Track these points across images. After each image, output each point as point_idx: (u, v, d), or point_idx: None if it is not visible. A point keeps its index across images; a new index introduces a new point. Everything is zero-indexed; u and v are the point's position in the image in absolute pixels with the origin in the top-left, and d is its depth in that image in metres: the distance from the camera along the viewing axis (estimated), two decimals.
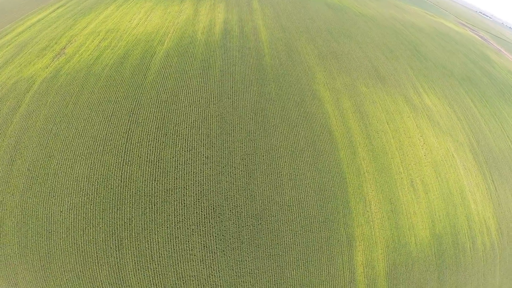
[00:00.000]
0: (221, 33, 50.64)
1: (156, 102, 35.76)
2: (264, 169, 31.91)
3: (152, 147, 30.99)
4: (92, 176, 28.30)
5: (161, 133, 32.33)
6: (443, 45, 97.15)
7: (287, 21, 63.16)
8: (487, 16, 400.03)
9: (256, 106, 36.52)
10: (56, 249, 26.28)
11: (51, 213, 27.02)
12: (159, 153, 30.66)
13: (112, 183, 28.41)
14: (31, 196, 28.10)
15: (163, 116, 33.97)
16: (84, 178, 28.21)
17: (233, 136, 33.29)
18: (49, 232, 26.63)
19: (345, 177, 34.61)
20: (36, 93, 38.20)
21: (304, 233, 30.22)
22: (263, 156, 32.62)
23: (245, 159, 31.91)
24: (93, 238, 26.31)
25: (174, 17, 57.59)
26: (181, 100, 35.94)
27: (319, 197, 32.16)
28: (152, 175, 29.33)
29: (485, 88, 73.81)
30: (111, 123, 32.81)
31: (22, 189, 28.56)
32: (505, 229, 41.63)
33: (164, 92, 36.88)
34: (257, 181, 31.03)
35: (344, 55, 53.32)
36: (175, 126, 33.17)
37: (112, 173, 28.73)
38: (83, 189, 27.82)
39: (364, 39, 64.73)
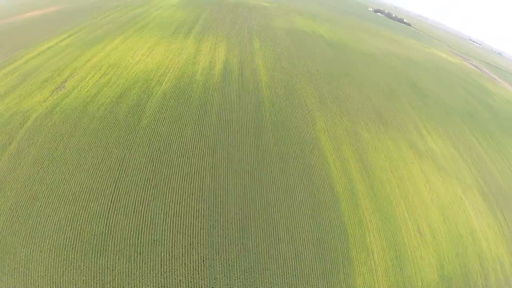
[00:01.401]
0: (220, 74, 50.27)
1: (148, 150, 34.29)
2: (260, 224, 30.27)
3: (140, 198, 29.57)
4: (76, 221, 27.27)
5: (151, 184, 30.85)
6: (441, 78, 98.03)
7: (287, 61, 63.32)
8: (477, 43, 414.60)
9: (253, 159, 34.87)
10: (33, 287, 24.91)
11: (30, 252, 26.40)
12: (147, 204, 29.24)
13: (95, 230, 27.21)
14: (10, 234, 26.88)
15: (154, 167, 32.44)
16: (67, 222, 27.25)
17: (227, 190, 31.72)
18: (27, 270, 25.38)
19: (346, 228, 32.95)
20: (29, 130, 36.88)
21: (300, 286, 28.45)
22: (258, 211, 30.99)
23: (238, 213, 30.35)
24: (73, 279, 25.19)
25: (175, 55, 57.76)
26: (173, 150, 34.43)
27: (318, 249, 30.54)
28: (139, 225, 27.89)
29: (488, 123, 73.04)
30: (100, 171, 31.37)
31: (1, 227, 27.25)
32: None
33: (157, 140, 35.45)
34: (251, 235, 29.36)
35: (345, 97, 52.59)
36: (166, 178, 31.68)
37: (96, 220, 27.61)
38: (65, 233, 26.85)
39: (364, 78, 64.64)
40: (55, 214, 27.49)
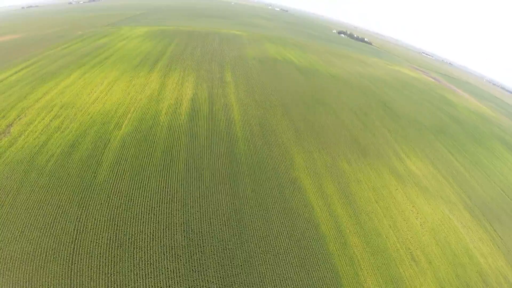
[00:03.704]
0: (188, 113, 46.90)
1: (107, 208, 29.91)
2: (244, 279, 27.18)
3: (105, 260, 26.18)
4: (37, 281, 24.42)
5: (115, 244, 27.26)
6: (409, 95, 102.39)
7: (260, 93, 61.62)
8: (429, 55, 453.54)
9: (230, 209, 31.37)
10: None
11: None
12: (114, 265, 25.82)
13: None
14: None
15: (116, 225, 28.60)
16: (28, 282, 24.35)
17: (203, 247, 28.13)
18: None
19: (338, 270, 30.51)
20: None
21: None
22: (241, 266, 27.79)
23: (219, 271, 27.08)
24: None
25: (137, 92, 53.75)
26: (137, 206, 30.29)
27: None
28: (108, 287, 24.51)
29: (458, 136, 75.67)
30: (54, 230, 27.68)
31: None
32: None
33: (117, 197, 31.08)
34: None
35: (321, 127, 51.30)
36: (132, 237, 27.87)
37: (60, 281, 24.57)
38: None
39: (338, 104, 64.82)
40: (11, 274, 24.84)
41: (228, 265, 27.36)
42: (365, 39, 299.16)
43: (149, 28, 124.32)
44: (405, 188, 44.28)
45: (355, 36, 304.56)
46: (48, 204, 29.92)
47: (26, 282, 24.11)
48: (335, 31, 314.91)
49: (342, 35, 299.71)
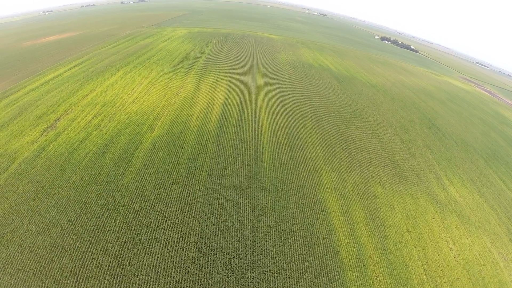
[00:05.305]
0: (217, 119, 47.10)
1: (127, 211, 30.77)
2: None
3: (115, 261, 26.76)
4: (45, 275, 25.19)
5: (128, 248, 27.79)
6: (458, 111, 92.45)
7: (292, 102, 59.93)
8: (485, 66, 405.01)
9: (246, 225, 30.40)
10: None
11: None
12: (122, 268, 26.31)
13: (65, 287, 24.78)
14: None
15: (132, 229, 29.14)
16: (36, 275, 25.20)
17: (213, 261, 27.68)
18: None
19: None
20: (11, 175, 35.01)
21: None
22: (248, 285, 26.91)
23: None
24: None
25: (173, 94, 55.43)
26: (156, 212, 30.71)
27: None
28: None
29: None
30: (75, 227, 29.01)
31: None
32: None
33: (139, 200, 31.81)
34: None
35: (356, 144, 48.29)
36: (145, 242, 28.27)
37: (67, 278, 25.35)
38: (33, 285, 24.86)
39: (377, 118, 60.89)
40: (24, 264, 25.73)
41: (235, 283, 26.63)
42: (411, 46, 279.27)
43: (189, 29, 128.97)
44: (443, 217, 39.77)
45: (400, 42, 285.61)
46: (75, 201, 31.65)
47: (35, 275, 24.85)
48: (377, 37, 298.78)
49: (385, 41, 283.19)
